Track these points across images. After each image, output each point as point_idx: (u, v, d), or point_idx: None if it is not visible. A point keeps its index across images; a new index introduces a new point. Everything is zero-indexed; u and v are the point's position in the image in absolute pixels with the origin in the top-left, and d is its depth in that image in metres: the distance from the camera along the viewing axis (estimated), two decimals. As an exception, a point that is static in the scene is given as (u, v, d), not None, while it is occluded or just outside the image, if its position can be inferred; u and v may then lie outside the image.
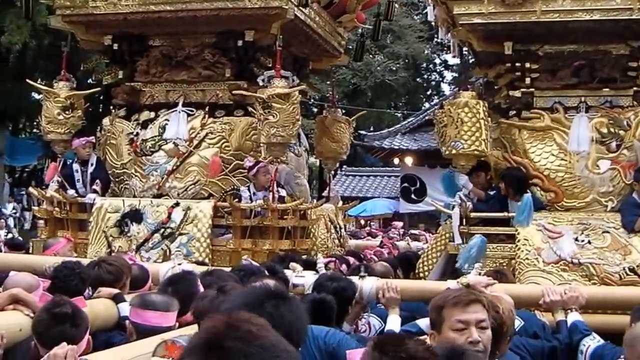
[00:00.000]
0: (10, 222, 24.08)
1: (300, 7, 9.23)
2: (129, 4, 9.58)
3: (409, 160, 29.88)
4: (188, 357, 1.88)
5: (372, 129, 34.22)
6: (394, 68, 36.29)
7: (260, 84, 8.88)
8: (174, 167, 9.53)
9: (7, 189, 27.04)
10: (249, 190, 9.24)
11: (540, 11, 8.45)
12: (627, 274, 7.90)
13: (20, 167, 32.98)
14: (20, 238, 13.08)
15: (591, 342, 5.34)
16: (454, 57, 10.99)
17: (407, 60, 38.57)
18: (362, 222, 27.77)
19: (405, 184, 30.12)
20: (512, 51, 8.90)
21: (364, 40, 12.57)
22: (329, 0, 10.17)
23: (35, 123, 33.98)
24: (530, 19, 8.54)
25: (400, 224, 21.49)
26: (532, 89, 9.07)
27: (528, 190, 8.51)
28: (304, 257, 8.40)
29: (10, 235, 18.34)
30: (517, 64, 9.05)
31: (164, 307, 4.49)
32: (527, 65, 9.03)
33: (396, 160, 31.16)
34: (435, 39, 41.22)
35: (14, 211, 25.32)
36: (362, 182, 35.02)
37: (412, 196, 29.87)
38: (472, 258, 8.23)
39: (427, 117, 30.21)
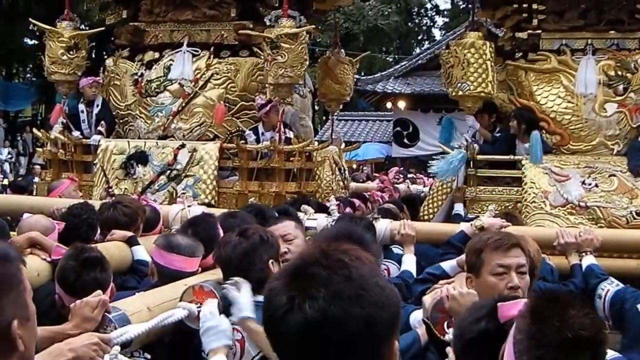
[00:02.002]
0: (6, 167, 23.97)
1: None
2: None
3: (401, 105, 29.86)
4: (274, 281, 1.85)
5: (363, 73, 34.04)
6: (386, 12, 36.07)
7: (267, 23, 8.74)
8: (179, 108, 9.43)
9: (2, 134, 26.87)
10: (254, 133, 9.17)
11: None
12: (634, 218, 7.97)
13: (14, 112, 32.76)
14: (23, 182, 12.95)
15: (609, 286, 5.23)
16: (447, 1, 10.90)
17: (398, 5, 38.36)
18: (355, 166, 27.78)
19: (398, 128, 30.16)
20: (519, -8, 8.84)
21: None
22: (334, -63, 10.03)
23: (28, 68, 33.76)
24: (539, -42, 8.47)
25: (396, 169, 21.48)
26: (539, 31, 9.01)
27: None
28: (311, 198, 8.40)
29: (5, 181, 18.25)
30: (524, 5, 9.00)
31: (189, 251, 4.44)
32: (534, 6, 8.99)
33: (389, 105, 31.14)
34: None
35: (9, 156, 25.16)
36: (355, 126, 34.95)
37: (405, 140, 29.95)
38: (452, 170, 8.29)
39: (419, 62, 30.17)
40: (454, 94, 8.48)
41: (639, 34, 8.88)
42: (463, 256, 4.31)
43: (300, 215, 6.34)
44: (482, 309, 2.89)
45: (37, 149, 10.74)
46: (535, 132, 8.38)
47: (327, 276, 1.78)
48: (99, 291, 3.62)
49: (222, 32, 9.74)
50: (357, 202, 8.82)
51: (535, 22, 9.00)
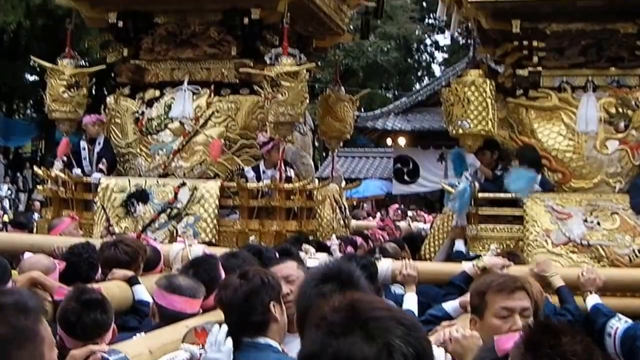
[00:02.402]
0: (6, 203, 23.91)
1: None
2: (134, -20, 9.47)
3: (401, 141, 29.88)
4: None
5: (363, 109, 34.11)
6: (386, 49, 36.23)
7: (268, 62, 8.76)
8: (180, 146, 9.45)
9: (2, 170, 26.88)
10: (253, 170, 9.16)
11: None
12: (637, 256, 7.91)
13: (14, 148, 32.80)
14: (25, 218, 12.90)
15: (618, 324, 5.22)
16: (454, 35, 10.95)
17: (398, 41, 38.51)
18: (355, 203, 27.70)
19: (398, 165, 30.14)
20: (519, 29, 8.84)
21: (369, 18, 12.51)
22: (334, -23, 10.09)
23: (29, 104, 33.88)
24: (538, -3, 8.50)
25: (395, 206, 21.44)
26: (539, 68, 9.03)
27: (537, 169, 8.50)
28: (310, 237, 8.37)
29: (5, 217, 18.22)
30: (525, 43, 9.02)
31: (190, 293, 4.44)
32: (535, 43, 9.00)
33: (389, 141, 31.12)
34: (427, 20, 41.66)
35: (9, 192, 25.12)
36: (355, 163, 34.92)
37: (405, 177, 29.91)
38: (465, 203, 8.26)
39: (419, 98, 30.24)
40: (454, 132, 8.46)
41: (639, 71, 8.89)
42: (465, 297, 4.29)
43: (302, 254, 6.32)
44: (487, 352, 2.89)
45: (37, 186, 10.70)
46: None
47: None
48: (104, 346, 3.59)
49: (223, 70, 9.79)
50: (358, 240, 8.80)
51: (535, 59, 9.01)
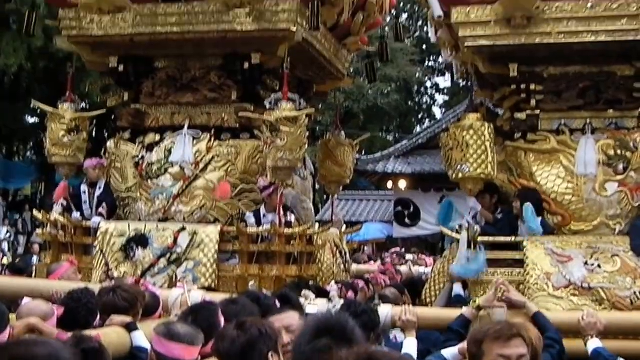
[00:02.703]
0: (5, 246, 23.86)
1: (309, 30, 9.17)
2: (135, 25, 9.51)
3: (402, 184, 29.89)
4: None
5: (364, 152, 34.18)
6: (386, 91, 36.39)
7: (267, 106, 8.81)
8: (180, 191, 9.44)
9: (1, 213, 26.87)
10: (254, 214, 9.16)
11: (545, 33, 8.47)
12: (639, 298, 7.88)
13: (13, 191, 32.81)
14: (21, 264, 12.85)
15: None
16: (455, 79, 11.04)
17: (398, 84, 38.71)
18: (356, 246, 27.63)
19: (399, 208, 30.13)
20: (517, 73, 8.89)
21: (373, 62, 12.57)
22: (334, 22, 10.12)
23: (29, 146, 33.94)
24: (535, 41, 8.54)
25: (397, 249, 21.43)
26: (538, 111, 9.07)
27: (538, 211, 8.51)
28: (310, 282, 8.36)
29: (5, 260, 18.17)
30: (522, 86, 9.06)
31: (189, 340, 4.43)
32: (532, 87, 9.05)
33: (389, 184, 31.14)
34: (427, 63, 41.92)
35: (7, 235, 25.07)
36: (356, 206, 34.90)
37: (406, 220, 29.89)
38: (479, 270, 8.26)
39: (419, 141, 30.31)
40: (454, 176, 8.47)
41: (638, 113, 8.92)
42: (464, 344, 4.28)
43: (301, 300, 6.31)
44: None
45: (37, 229, 10.71)
46: (527, 205, 8.42)
47: None
48: None
49: (223, 115, 9.80)
50: (359, 285, 8.79)
51: (533, 102, 9.05)
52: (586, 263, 8.13)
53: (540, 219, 8.53)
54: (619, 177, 8.65)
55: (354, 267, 12.03)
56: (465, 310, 6.24)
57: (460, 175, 8.38)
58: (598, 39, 8.40)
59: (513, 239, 8.62)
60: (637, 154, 8.64)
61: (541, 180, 8.84)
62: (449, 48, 9.92)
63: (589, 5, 8.34)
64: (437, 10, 8.73)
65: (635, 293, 7.89)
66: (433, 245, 30.40)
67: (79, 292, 5.83)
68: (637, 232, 8.39)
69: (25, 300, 5.73)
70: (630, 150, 8.70)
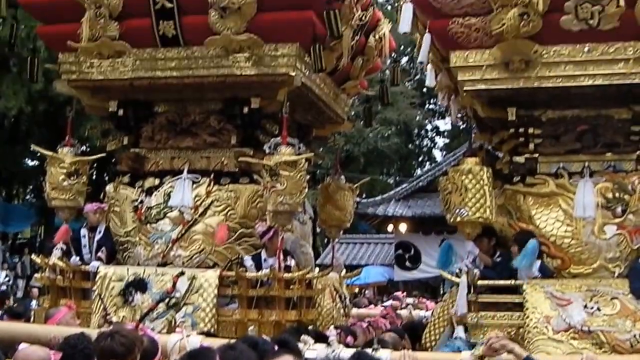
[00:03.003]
0: (3, 289, 23.76)
1: (311, 73, 9.22)
2: (135, 70, 9.56)
3: (402, 227, 29.85)
4: None
5: (364, 195, 34.18)
6: (386, 134, 36.46)
7: (267, 151, 8.83)
8: (179, 235, 9.42)
9: (0, 256, 26.82)
10: (255, 259, 9.13)
11: (544, 77, 8.53)
12: (639, 341, 7.86)
13: (13, 234, 32.77)
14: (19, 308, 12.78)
15: None
16: (454, 123, 11.11)
17: (399, 127, 38.78)
18: (357, 290, 27.58)
19: (400, 251, 30.07)
20: (515, 117, 8.96)
21: (371, 106, 12.63)
22: (333, 67, 10.18)
23: (29, 189, 33.95)
24: (533, 85, 8.61)
25: (398, 293, 21.37)
26: (536, 155, 9.12)
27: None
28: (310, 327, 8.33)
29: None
30: (521, 130, 9.12)
31: None
32: (531, 130, 9.10)
33: (390, 227, 31.09)
34: (427, 105, 42.08)
35: (6, 279, 25.00)
36: (356, 249, 34.83)
37: (407, 263, 29.81)
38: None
39: (420, 184, 30.32)
40: (452, 220, 8.51)
41: (635, 156, 8.97)
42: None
43: (300, 345, 6.29)
44: None
45: (36, 273, 10.68)
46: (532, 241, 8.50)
47: None
48: None
49: (223, 159, 9.81)
50: (359, 329, 8.77)
51: (532, 146, 9.11)
52: (586, 306, 8.13)
53: (539, 262, 8.53)
54: (618, 220, 8.68)
55: (355, 311, 12.00)
56: (465, 356, 6.22)
57: (458, 218, 8.42)
58: (595, 82, 8.49)
59: (512, 282, 8.61)
60: (635, 196, 8.68)
61: (540, 223, 8.87)
62: (447, 92, 10.00)
63: (586, 49, 8.43)
64: (424, 57, 8.84)
65: (635, 336, 7.88)
66: (434, 289, 30.32)
67: (75, 337, 5.80)
68: (636, 274, 8.39)
69: (22, 345, 5.70)
70: (628, 193, 8.74)
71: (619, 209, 8.71)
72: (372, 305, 15.09)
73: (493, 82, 8.67)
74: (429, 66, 9.92)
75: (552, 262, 8.74)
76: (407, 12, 8.84)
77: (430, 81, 10.38)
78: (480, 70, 8.66)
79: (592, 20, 8.28)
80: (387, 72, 12.50)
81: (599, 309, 8.11)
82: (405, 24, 8.87)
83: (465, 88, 8.85)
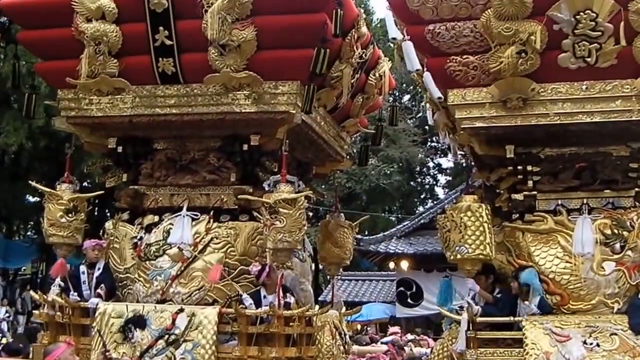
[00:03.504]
0: (4, 326, 23.69)
1: (304, 113, 9.26)
2: (134, 107, 9.60)
3: (404, 265, 29.83)
4: None
5: (366, 233, 34.17)
6: (388, 172, 36.46)
7: (266, 188, 8.87)
8: (178, 272, 9.38)
9: (1, 292, 26.76)
10: (254, 297, 9.08)
11: (541, 114, 8.59)
12: (637, 377, 7.87)
13: (13, 270, 32.70)
14: (17, 345, 12.72)
15: None
16: (454, 160, 11.13)
17: (401, 164, 38.75)
18: (359, 327, 27.52)
19: (402, 288, 30.03)
20: (513, 154, 9.01)
21: (367, 145, 12.66)
22: (334, 104, 10.23)
23: (29, 225, 33.90)
24: (531, 123, 8.67)
25: (397, 328, 21.29)
26: (535, 192, 9.16)
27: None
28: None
29: (4, 340, 18.02)
30: (519, 167, 9.17)
31: None
32: (529, 168, 9.15)
33: (392, 265, 31.08)
34: (429, 143, 42.12)
35: (7, 315, 24.91)
36: (358, 286, 34.82)
37: (409, 300, 29.75)
38: None
39: (422, 221, 30.33)
40: (452, 257, 8.53)
41: (634, 192, 9.03)
42: None
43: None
44: None
45: (35, 311, 10.64)
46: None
47: None
48: None
49: (222, 196, 9.81)
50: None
51: (530, 183, 9.15)
52: (585, 342, 8.16)
53: (538, 297, 8.53)
54: (617, 256, 8.73)
55: (356, 348, 11.96)
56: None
57: (458, 256, 8.44)
58: (593, 119, 8.56)
59: (512, 318, 8.60)
60: (634, 232, 8.73)
61: (539, 260, 8.90)
62: (445, 130, 10.05)
63: (584, 86, 8.51)
64: (436, 92, 8.84)
65: (633, 371, 7.87)
66: (437, 325, 30.17)
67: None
68: (635, 310, 8.44)
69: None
70: (627, 230, 8.78)
71: (617, 246, 8.76)
72: (373, 344, 15.01)
73: (490, 120, 8.73)
74: (428, 104, 9.98)
75: (552, 298, 8.76)
76: (409, 50, 8.86)
77: (431, 119, 10.44)
78: (477, 108, 8.72)
79: (590, 58, 8.37)
80: (387, 110, 12.53)
81: (598, 345, 8.13)
82: (414, 62, 8.86)
83: (462, 126, 8.89)
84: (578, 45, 8.34)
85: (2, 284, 28.23)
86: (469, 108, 8.75)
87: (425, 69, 8.91)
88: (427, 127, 40.75)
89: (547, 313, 8.60)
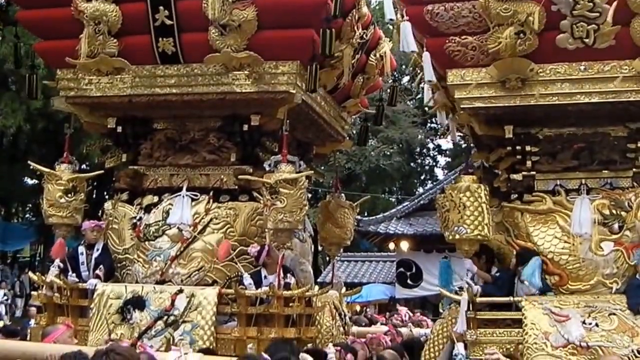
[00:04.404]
0: (2, 309, 23.72)
1: (308, 93, 9.25)
2: (134, 87, 9.59)
3: (404, 245, 29.87)
4: None
5: (366, 213, 34.19)
6: (388, 153, 36.47)
7: (267, 169, 8.86)
8: (178, 253, 9.40)
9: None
10: (255, 276, 9.09)
11: (540, 95, 8.58)
12: (636, 356, 7.90)
13: (12, 253, 32.73)
14: (15, 326, 12.72)
15: None
16: (452, 140, 11.12)
17: (401, 145, 38.77)
18: (358, 308, 27.57)
19: (401, 269, 30.09)
20: (512, 135, 8.99)
21: (367, 125, 12.66)
22: (334, 85, 10.22)
23: (28, 208, 33.89)
24: (530, 103, 8.66)
25: (405, 309, 21.33)
26: (533, 172, 9.15)
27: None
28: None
29: (1, 323, 18.05)
30: (518, 148, 9.15)
31: None
32: (528, 148, 9.13)
33: (391, 245, 31.12)
34: (429, 124, 42.07)
35: (5, 298, 24.92)
36: (358, 267, 34.88)
37: (408, 281, 29.81)
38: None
39: (421, 202, 30.35)
40: (450, 237, 8.52)
41: (631, 173, 9.02)
42: None
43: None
44: None
45: (33, 292, 10.65)
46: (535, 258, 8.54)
47: None
48: None
49: (222, 177, 9.83)
50: (358, 346, 8.78)
51: (529, 163, 9.13)
52: (584, 322, 8.15)
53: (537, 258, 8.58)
54: (615, 236, 8.72)
55: (356, 329, 11.97)
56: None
57: (457, 236, 8.43)
58: (591, 100, 8.55)
59: (511, 298, 8.62)
60: (632, 213, 8.71)
61: (538, 240, 8.88)
62: (444, 110, 10.05)
63: (582, 67, 8.50)
64: (429, 75, 8.84)
65: (632, 351, 7.89)
66: (435, 306, 30.30)
67: (71, 356, 5.80)
68: (633, 290, 8.43)
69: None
70: (625, 210, 8.78)
71: (615, 226, 8.75)
72: (372, 325, 14.98)
73: (490, 100, 8.72)
74: (426, 85, 9.97)
75: (550, 278, 8.75)
76: (407, 31, 8.86)
77: (427, 99, 10.43)
78: (477, 88, 8.70)
79: (588, 39, 8.34)
80: (387, 91, 12.53)
81: (597, 325, 8.13)
82: (410, 43, 8.86)
83: (462, 106, 8.89)
84: (576, 26, 8.32)
85: (1, 267, 28.24)
86: (468, 88, 8.73)
87: (424, 50, 8.90)
88: (426, 109, 40.73)
89: (545, 292, 8.61)
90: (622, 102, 8.51)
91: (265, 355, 6.56)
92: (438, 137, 40.51)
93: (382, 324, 14.92)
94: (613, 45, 8.33)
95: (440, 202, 8.68)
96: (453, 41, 8.62)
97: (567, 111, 8.78)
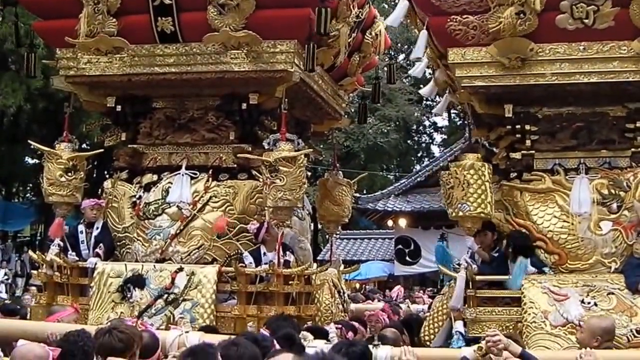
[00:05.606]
0: (2, 288, 23.74)
1: (306, 71, 9.24)
2: (133, 66, 9.58)
3: (402, 222, 29.94)
4: None
5: (364, 191, 34.24)
6: (385, 130, 36.45)
7: (266, 147, 8.87)
8: (178, 231, 9.42)
9: (0, 254, 26.79)
10: (254, 253, 9.12)
11: (539, 74, 8.59)
12: (635, 336, 7.91)
13: (13, 232, 32.74)
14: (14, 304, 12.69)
15: None
16: (440, 114, 11.21)
17: (397, 123, 38.74)
18: (357, 285, 27.65)
19: (400, 246, 30.16)
20: (512, 113, 8.98)
21: (366, 103, 12.67)
22: (331, 63, 10.21)
23: (28, 187, 33.87)
24: (529, 82, 8.66)
25: (398, 287, 21.40)
26: (532, 151, 9.16)
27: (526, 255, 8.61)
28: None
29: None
30: (517, 126, 9.15)
31: None
32: (527, 127, 9.13)
33: (390, 223, 31.19)
34: (425, 102, 42.04)
35: (5, 277, 24.95)
36: (357, 245, 34.95)
37: (407, 258, 29.91)
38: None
39: (418, 179, 30.39)
40: (454, 214, 8.54)
41: (630, 152, 9.03)
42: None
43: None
44: None
45: (34, 271, 10.66)
46: (522, 259, 8.54)
47: None
48: None
49: (221, 155, 9.83)
50: (356, 324, 8.80)
51: (528, 142, 9.13)
52: (583, 301, 8.18)
53: (529, 259, 8.58)
54: (613, 216, 8.75)
55: (354, 306, 12.01)
56: (467, 351, 6.22)
57: (460, 213, 8.44)
58: (590, 80, 8.56)
59: (510, 277, 8.64)
60: (631, 192, 8.73)
61: (537, 219, 8.90)
62: (445, 87, 10.06)
63: (582, 47, 8.49)
64: (419, 52, 8.87)
65: (631, 330, 7.92)
66: (434, 283, 30.39)
67: (75, 334, 5.80)
68: (632, 269, 8.46)
69: (21, 342, 5.70)
70: (623, 190, 8.79)
71: (614, 205, 8.78)
72: (368, 301, 15.02)
73: (490, 79, 8.71)
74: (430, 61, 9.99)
75: (549, 257, 8.78)
76: (400, 8, 8.90)
77: (416, 74, 10.47)
78: (477, 67, 8.70)
79: (588, 20, 8.35)
80: (383, 69, 12.52)
81: (595, 304, 8.16)
82: (395, 19, 8.93)
83: (462, 85, 8.90)
84: (576, 6, 8.32)
85: (1, 247, 28.24)
86: (468, 67, 8.73)
87: (425, 28, 8.91)
88: (422, 86, 40.65)
89: (540, 270, 8.68)
90: (621, 82, 8.54)
91: (265, 331, 6.57)
92: (434, 114, 40.53)
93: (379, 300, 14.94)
94: (612, 26, 8.34)
95: (444, 179, 8.69)
96: (454, 20, 8.61)
97: (567, 91, 8.78)
